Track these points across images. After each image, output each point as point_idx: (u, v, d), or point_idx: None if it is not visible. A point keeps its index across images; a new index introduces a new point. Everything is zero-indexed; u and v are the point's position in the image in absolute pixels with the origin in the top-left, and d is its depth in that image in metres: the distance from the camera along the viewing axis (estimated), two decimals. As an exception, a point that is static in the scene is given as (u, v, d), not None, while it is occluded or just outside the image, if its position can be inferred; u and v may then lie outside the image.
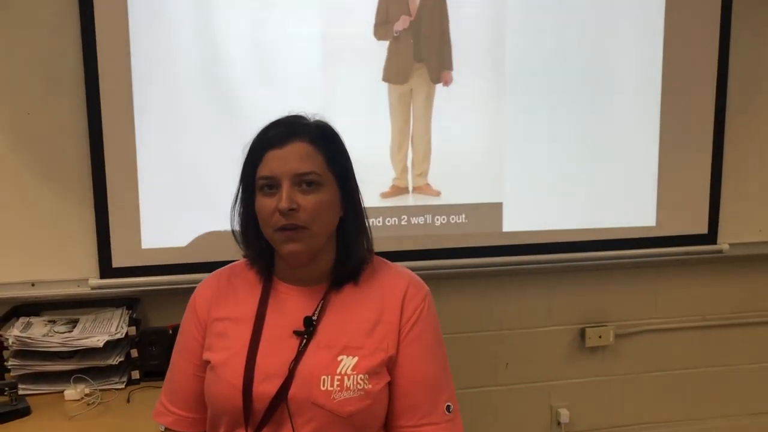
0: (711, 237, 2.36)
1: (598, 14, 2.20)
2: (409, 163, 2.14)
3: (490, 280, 2.31)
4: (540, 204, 2.24)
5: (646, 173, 2.29)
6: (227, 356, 1.21)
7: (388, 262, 1.33)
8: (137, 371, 1.91)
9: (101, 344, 1.81)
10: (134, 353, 1.92)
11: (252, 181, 1.21)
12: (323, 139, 1.23)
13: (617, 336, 2.41)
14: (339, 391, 1.16)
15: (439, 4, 2.09)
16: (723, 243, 2.36)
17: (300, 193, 1.18)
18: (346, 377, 1.16)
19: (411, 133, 2.14)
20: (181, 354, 1.30)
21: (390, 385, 1.23)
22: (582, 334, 2.40)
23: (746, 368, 2.53)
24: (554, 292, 2.38)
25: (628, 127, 2.27)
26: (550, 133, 2.22)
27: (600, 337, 2.39)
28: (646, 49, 2.24)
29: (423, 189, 2.16)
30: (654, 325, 2.45)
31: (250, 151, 1.22)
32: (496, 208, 2.21)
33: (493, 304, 2.34)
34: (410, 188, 2.15)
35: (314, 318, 1.21)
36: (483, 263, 2.23)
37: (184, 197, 2.02)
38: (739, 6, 2.26)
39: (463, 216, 2.19)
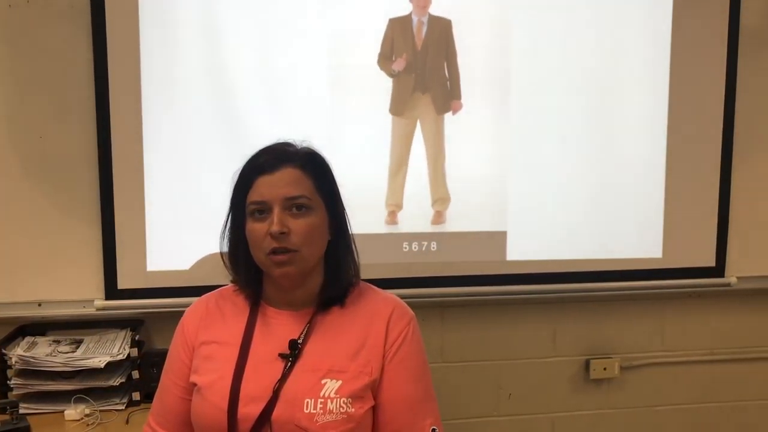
0: (719, 270, 2.33)
1: (604, 46, 2.21)
2: (406, 189, 2.16)
3: (493, 309, 2.30)
4: (544, 233, 2.24)
5: (653, 204, 2.28)
6: (213, 379, 1.23)
7: (374, 287, 1.35)
8: (138, 393, 1.92)
9: (102, 365, 1.83)
10: (136, 375, 1.94)
11: (242, 207, 1.24)
12: (312, 164, 1.26)
13: (622, 368, 2.38)
14: (322, 414, 1.17)
15: (445, 36, 2.12)
16: (731, 276, 2.33)
17: (290, 217, 1.21)
18: (329, 400, 1.18)
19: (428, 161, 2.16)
20: (169, 376, 1.32)
21: (374, 409, 1.24)
22: (587, 365, 2.37)
23: (754, 404, 2.48)
24: (559, 323, 2.36)
25: (634, 157, 2.26)
26: (555, 162, 2.22)
27: (605, 369, 2.37)
28: (653, 80, 2.24)
29: (435, 217, 2.18)
30: (660, 358, 2.42)
31: (240, 177, 1.25)
32: (500, 237, 2.22)
33: (497, 334, 2.32)
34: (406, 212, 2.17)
35: (300, 341, 1.23)
36: (486, 292, 2.22)
37: (188, 221, 2.05)
38: (746, 40, 2.26)
39: (467, 244, 2.19)
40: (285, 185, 1.21)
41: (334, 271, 1.28)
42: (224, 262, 1.32)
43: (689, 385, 2.44)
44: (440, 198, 2.17)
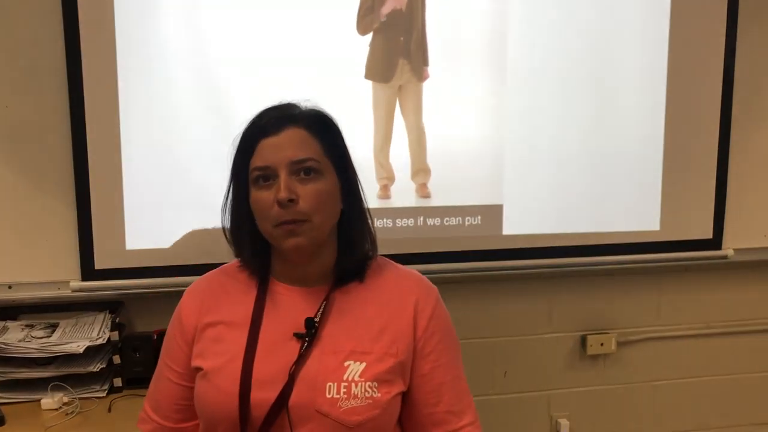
0: (716, 242, 2.29)
1: (603, 14, 2.13)
2: (393, 161, 2.06)
3: (488, 284, 2.24)
4: (541, 207, 2.17)
5: (651, 177, 2.23)
6: (222, 362, 1.13)
7: (393, 262, 1.26)
8: (120, 379, 1.83)
9: (81, 350, 1.73)
10: (117, 360, 1.84)
11: (244, 175, 1.13)
12: (319, 124, 1.15)
13: (619, 344, 2.34)
14: (346, 398, 1.08)
15: (422, 1, 2.02)
16: (728, 248, 2.29)
17: (298, 182, 1.10)
18: (353, 384, 1.09)
19: (409, 131, 2.07)
20: (165, 360, 1.23)
21: (410, 395, 1.16)
22: (583, 341, 2.33)
23: (752, 377, 2.47)
24: (555, 298, 2.30)
25: (632, 129, 2.20)
26: (552, 134, 2.15)
27: (602, 344, 2.32)
28: (651, 52, 2.18)
29: (419, 190, 2.09)
30: (657, 333, 2.38)
31: (241, 141, 1.14)
32: (496, 211, 2.14)
33: (492, 310, 2.26)
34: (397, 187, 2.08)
35: (316, 319, 1.13)
36: (482, 267, 2.15)
37: (169, 196, 1.94)
38: (745, 12, 2.20)
39: (462, 218, 2.12)
40: (290, 147, 1.10)
41: (348, 243, 1.18)
42: (226, 237, 1.20)
43: (686, 360, 2.41)
44: (420, 169, 2.08)
